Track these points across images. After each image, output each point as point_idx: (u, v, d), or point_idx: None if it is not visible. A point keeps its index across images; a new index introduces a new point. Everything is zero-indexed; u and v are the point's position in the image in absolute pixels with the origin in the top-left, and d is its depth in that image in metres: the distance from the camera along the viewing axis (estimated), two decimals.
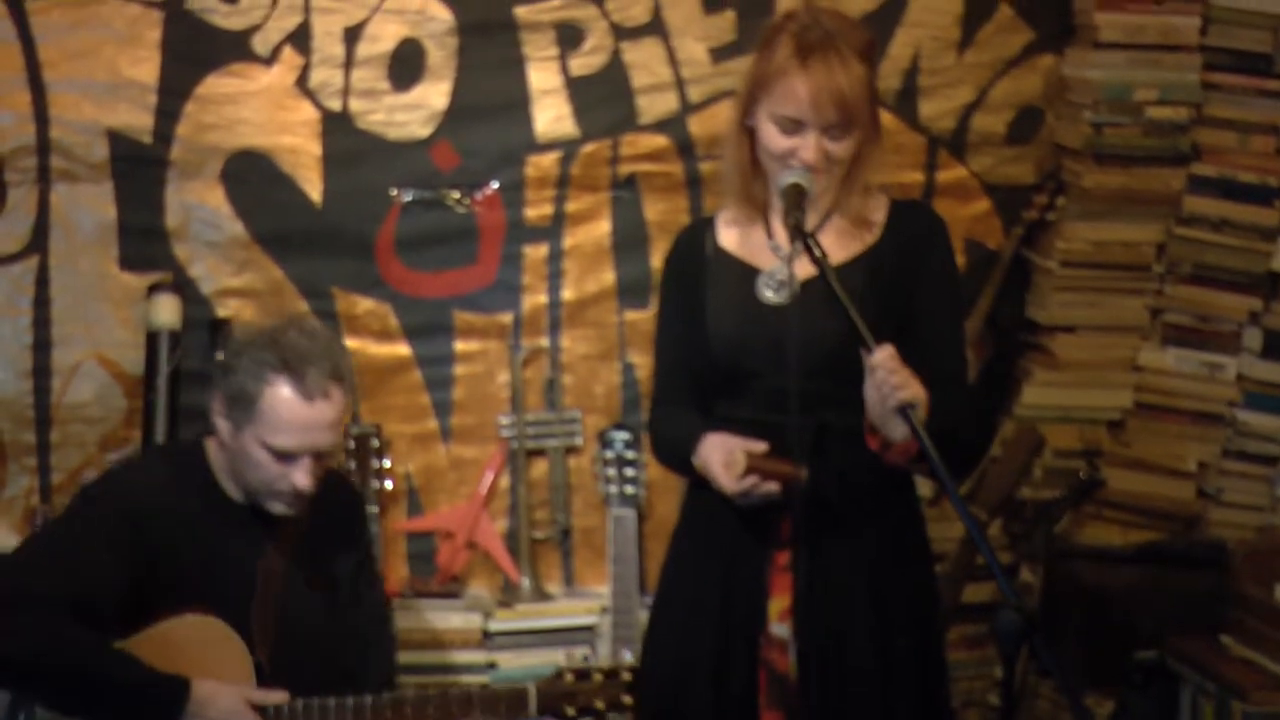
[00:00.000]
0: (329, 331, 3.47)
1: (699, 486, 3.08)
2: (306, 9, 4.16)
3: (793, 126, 2.93)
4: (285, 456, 3.13)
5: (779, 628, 2.98)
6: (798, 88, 2.90)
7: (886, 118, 4.24)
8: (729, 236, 3.10)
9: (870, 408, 2.80)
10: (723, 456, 2.94)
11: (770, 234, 3.03)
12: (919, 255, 3.03)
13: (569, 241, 4.32)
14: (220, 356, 3.25)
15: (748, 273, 3.04)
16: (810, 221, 2.92)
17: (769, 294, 2.99)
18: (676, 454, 3.11)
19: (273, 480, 3.14)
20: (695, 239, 3.14)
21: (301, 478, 3.13)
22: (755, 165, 3.02)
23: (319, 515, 3.27)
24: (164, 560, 3.12)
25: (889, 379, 2.73)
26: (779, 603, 2.99)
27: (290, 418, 3.11)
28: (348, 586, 3.34)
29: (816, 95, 2.89)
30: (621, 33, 4.25)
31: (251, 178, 4.20)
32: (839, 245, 2.99)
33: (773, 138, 2.96)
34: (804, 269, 2.86)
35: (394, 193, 4.24)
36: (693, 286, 3.10)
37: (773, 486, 2.90)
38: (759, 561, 3.01)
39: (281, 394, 3.11)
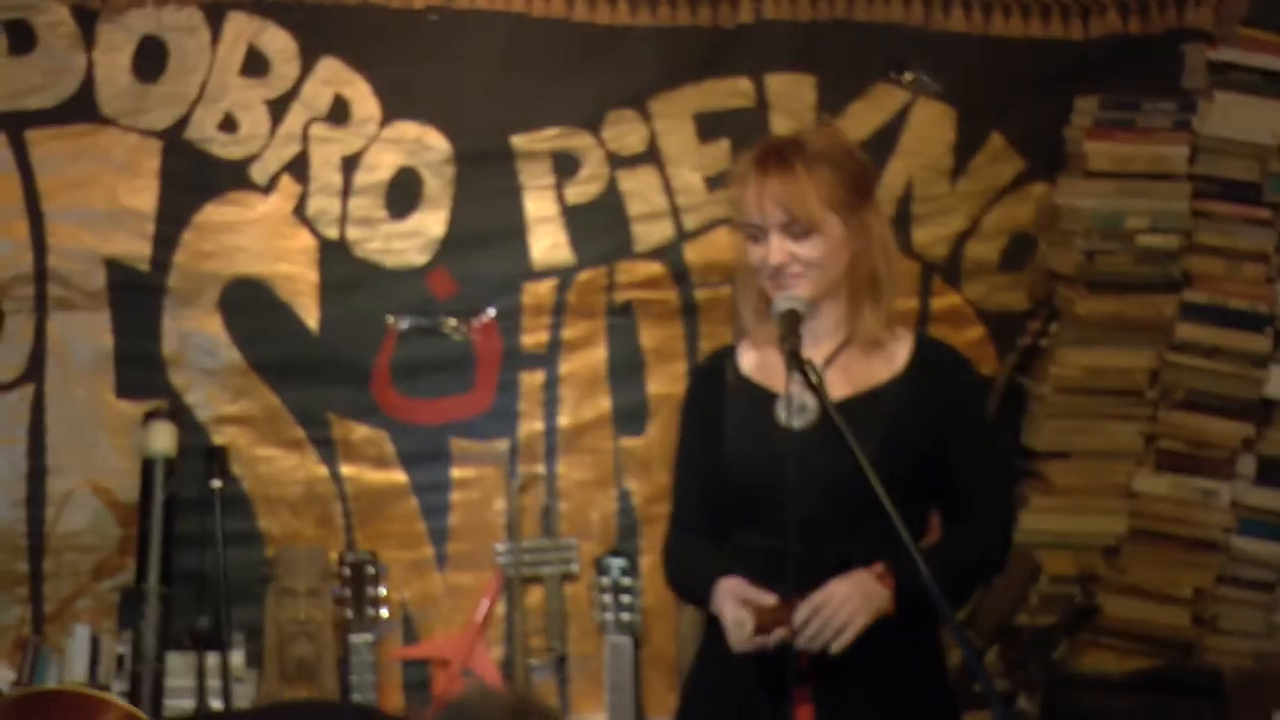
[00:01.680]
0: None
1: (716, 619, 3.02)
2: (305, 138, 4.20)
3: (757, 233, 2.94)
4: None
5: None
6: (749, 193, 2.94)
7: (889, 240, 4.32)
8: (749, 361, 3.07)
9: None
10: (732, 613, 2.89)
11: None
12: (946, 393, 2.99)
13: (565, 368, 4.33)
14: None
15: (767, 397, 3.00)
16: (822, 348, 2.92)
17: (787, 419, 2.95)
18: (690, 589, 3.10)
19: None
20: (717, 366, 3.12)
21: None
22: (763, 292, 3.01)
23: None
24: None
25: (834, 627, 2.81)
26: None
27: None
28: None
29: (761, 196, 2.91)
30: (617, 161, 4.29)
31: (249, 305, 4.22)
32: (860, 372, 2.98)
33: (746, 251, 2.98)
34: (830, 393, 2.84)
35: (391, 320, 4.26)
36: (713, 413, 3.07)
37: (783, 633, 2.86)
38: (777, 699, 2.94)
39: None
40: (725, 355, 3.12)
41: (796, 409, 2.90)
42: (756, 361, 3.04)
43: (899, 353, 3.00)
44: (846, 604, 2.81)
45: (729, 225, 3.10)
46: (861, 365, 2.98)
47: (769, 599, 2.86)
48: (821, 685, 2.88)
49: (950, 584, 2.68)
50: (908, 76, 4.35)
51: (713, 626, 3.03)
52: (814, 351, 2.88)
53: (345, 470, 4.28)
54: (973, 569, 3.04)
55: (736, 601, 2.89)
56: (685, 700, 3.20)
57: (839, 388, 2.88)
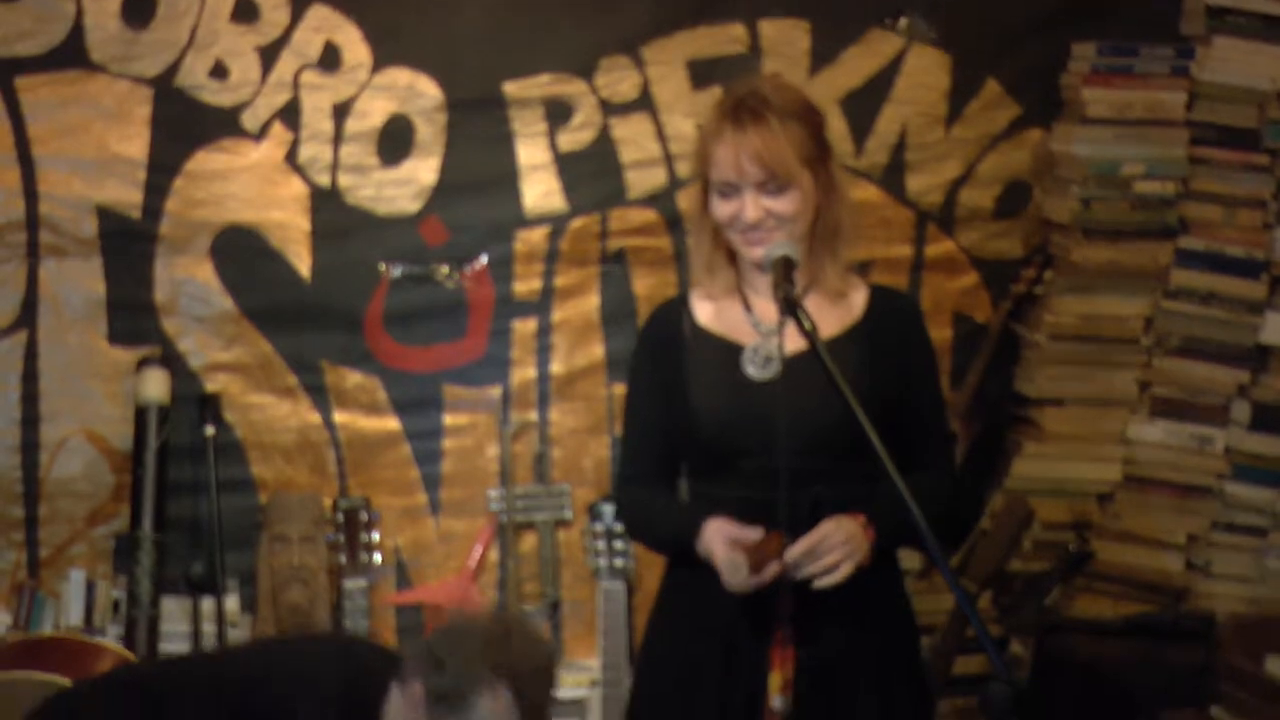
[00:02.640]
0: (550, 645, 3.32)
1: (685, 564, 3.05)
2: (296, 85, 4.20)
3: (729, 189, 2.95)
4: None
5: (779, 700, 2.96)
6: (724, 150, 2.95)
7: (873, 192, 4.33)
8: (705, 313, 3.08)
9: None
10: (726, 554, 2.91)
11: (749, 309, 3.03)
12: (902, 342, 3.05)
13: (558, 315, 4.35)
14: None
15: (731, 349, 3.03)
16: None
17: (754, 371, 2.99)
18: (661, 535, 3.13)
19: None
20: (671, 316, 3.13)
21: None
22: (720, 244, 3.04)
23: None
24: None
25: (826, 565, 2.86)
26: (779, 676, 2.97)
27: None
28: None
29: (738, 154, 2.92)
30: (610, 109, 4.30)
31: (240, 253, 4.23)
32: (823, 320, 2.96)
33: (716, 206, 2.98)
34: (790, 344, 2.86)
35: (383, 267, 4.27)
36: (671, 365, 3.08)
37: (775, 568, 2.89)
38: (760, 636, 2.99)
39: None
40: (676, 305, 3.13)
41: (763, 360, 2.94)
42: (712, 313, 3.06)
43: (856, 301, 3.04)
44: (843, 546, 2.86)
45: (691, 179, 3.10)
46: (828, 312, 3.00)
47: (753, 534, 2.89)
48: (804, 626, 2.92)
49: (935, 529, 2.70)
50: (902, 23, 4.34)
51: (678, 571, 3.10)
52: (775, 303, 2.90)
53: (338, 417, 4.30)
54: (952, 516, 3.13)
55: (728, 543, 2.91)
56: (651, 645, 3.18)
57: (800, 338, 2.87)
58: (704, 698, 3.05)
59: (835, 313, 3.02)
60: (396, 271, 4.27)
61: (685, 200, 4.27)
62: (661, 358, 3.08)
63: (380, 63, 4.21)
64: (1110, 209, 4.29)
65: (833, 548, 2.87)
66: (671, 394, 3.05)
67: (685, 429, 3.04)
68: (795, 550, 2.85)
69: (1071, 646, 4.27)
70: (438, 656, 2.77)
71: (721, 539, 2.93)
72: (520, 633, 2.96)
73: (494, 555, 4.36)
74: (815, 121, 3.00)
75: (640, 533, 3.25)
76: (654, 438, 3.12)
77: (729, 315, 3.04)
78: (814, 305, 2.97)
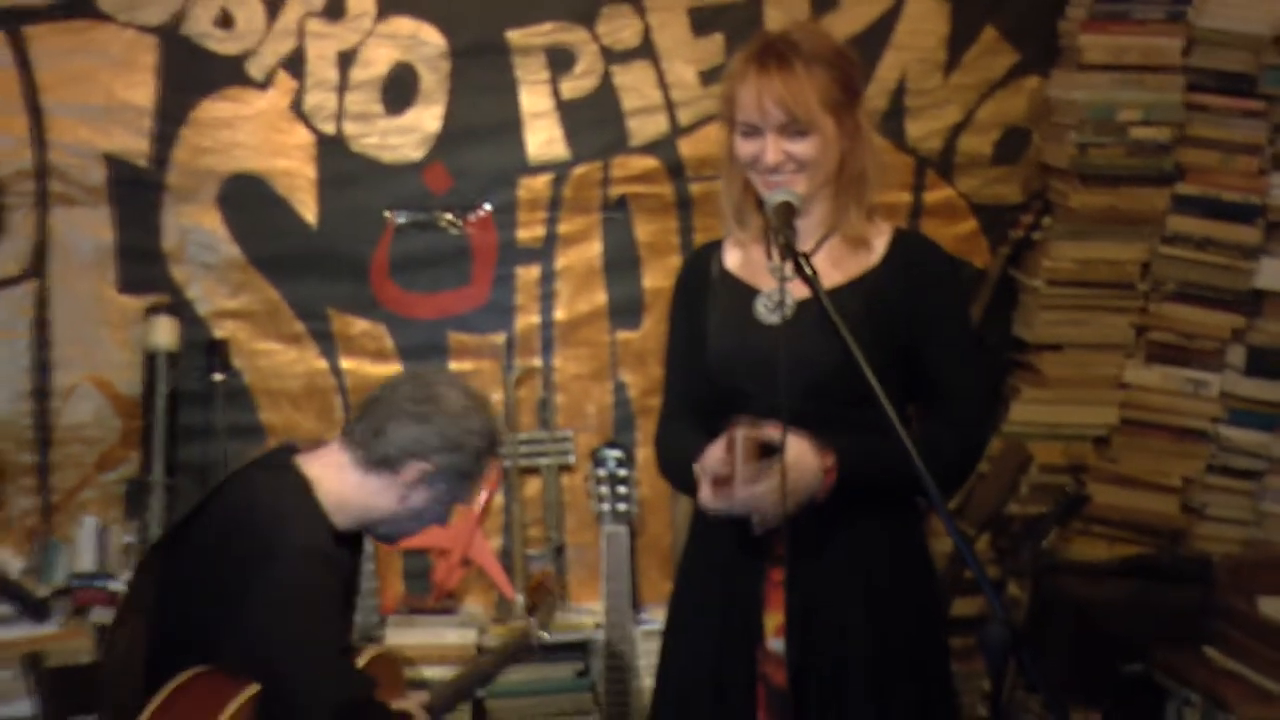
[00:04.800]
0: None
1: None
2: (300, 34, 4.21)
3: (751, 131, 2.95)
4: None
5: (775, 642, 2.98)
6: (747, 92, 2.94)
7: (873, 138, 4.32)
8: (733, 258, 3.10)
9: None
10: (703, 490, 2.93)
11: (770, 255, 2.99)
12: (916, 289, 3.01)
13: (561, 262, 4.37)
14: (434, 427, 3.15)
15: (747, 293, 3.04)
16: (807, 243, 2.93)
17: (765, 314, 3.01)
18: (679, 469, 3.11)
19: (432, 521, 3.24)
20: (703, 261, 3.15)
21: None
22: (749, 191, 3.03)
23: None
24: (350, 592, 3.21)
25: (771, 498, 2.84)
26: (774, 618, 2.99)
27: (480, 486, 3.27)
28: None
29: (760, 96, 2.92)
30: (612, 56, 4.31)
31: (247, 200, 4.26)
32: (836, 267, 2.98)
33: (738, 146, 2.99)
34: (802, 290, 2.86)
35: (388, 215, 4.29)
36: (698, 306, 3.12)
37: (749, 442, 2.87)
38: (755, 578, 3.01)
39: (484, 474, 3.23)
40: (711, 250, 3.15)
41: (775, 304, 2.94)
42: (740, 259, 3.07)
43: (878, 245, 3.02)
44: (767, 498, 2.85)
45: (718, 120, 3.10)
46: (844, 257, 3.00)
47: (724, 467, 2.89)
48: (795, 556, 2.91)
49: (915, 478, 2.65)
50: None
51: (698, 515, 3.08)
52: (800, 245, 2.87)
53: (345, 363, 4.33)
54: (951, 466, 3.02)
55: (708, 479, 2.91)
56: (675, 588, 3.23)
57: (823, 280, 2.83)
58: (708, 638, 3.07)
59: (853, 259, 3.01)
60: (401, 219, 4.29)
61: (688, 147, 4.32)
62: (692, 300, 3.12)
63: (384, 11, 4.23)
64: (1107, 155, 4.31)
65: (759, 499, 2.86)
66: (697, 333, 3.08)
67: (704, 368, 3.07)
68: (739, 493, 2.86)
69: (1068, 588, 4.29)
70: (451, 441, 3.14)
71: (705, 476, 2.93)
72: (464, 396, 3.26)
73: (499, 500, 4.38)
74: (843, 68, 2.98)
75: (664, 469, 3.23)
76: (686, 377, 3.14)
77: (753, 261, 3.04)
78: (833, 251, 3.00)
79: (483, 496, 4.34)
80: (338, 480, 3.11)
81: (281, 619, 2.96)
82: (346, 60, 4.24)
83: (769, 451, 2.85)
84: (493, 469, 3.21)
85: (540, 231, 4.35)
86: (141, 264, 4.23)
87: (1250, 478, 4.43)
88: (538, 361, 4.38)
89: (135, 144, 4.18)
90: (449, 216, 4.31)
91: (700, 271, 3.13)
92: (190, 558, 3.08)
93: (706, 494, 2.92)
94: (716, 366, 3.04)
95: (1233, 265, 4.35)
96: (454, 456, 3.14)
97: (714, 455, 2.90)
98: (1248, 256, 4.35)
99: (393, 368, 4.33)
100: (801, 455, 2.87)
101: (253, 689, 2.93)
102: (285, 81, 4.23)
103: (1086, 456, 4.44)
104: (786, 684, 2.95)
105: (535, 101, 4.31)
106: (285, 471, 3.13)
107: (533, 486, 4.39)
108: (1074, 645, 4.22)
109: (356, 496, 3.12)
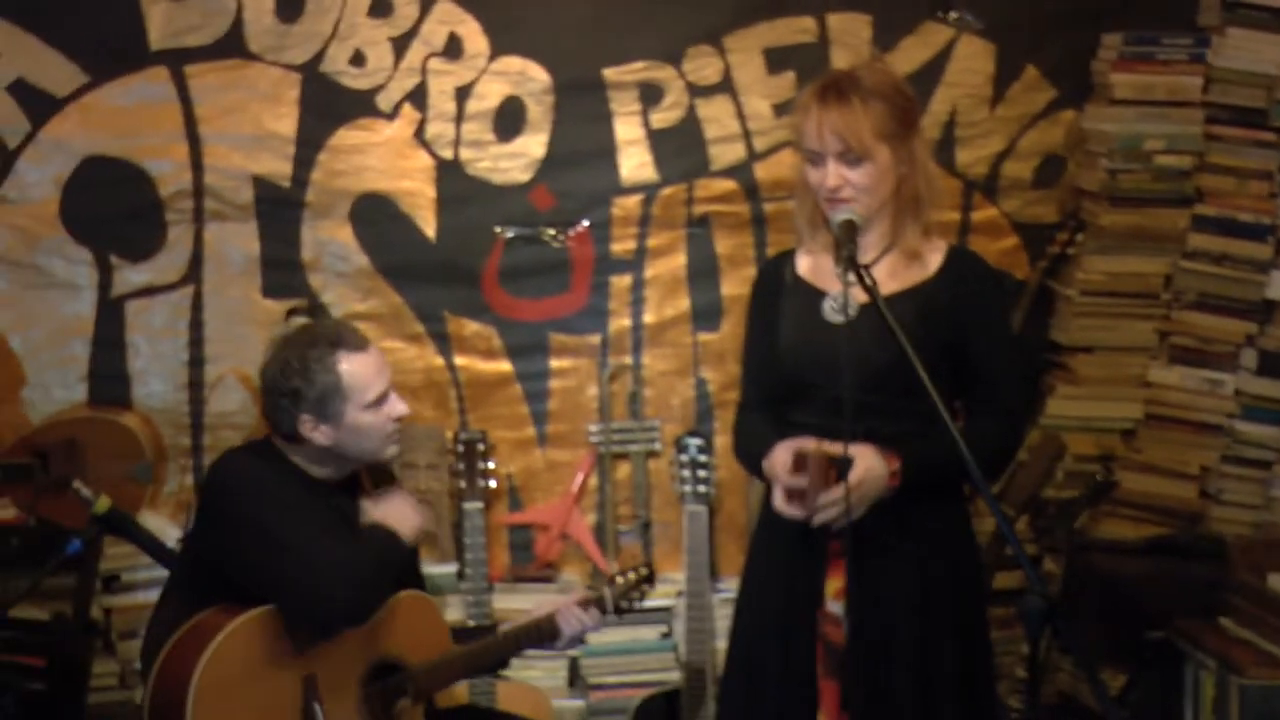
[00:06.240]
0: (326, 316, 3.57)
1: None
2: (424, 71, 4.39)
3: (815, 157, 3.04)
4: (379, 401, 3.30)
5: (834, 605, 3.08)
6: (810, 123, 3.03)
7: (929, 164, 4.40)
8: (805, 265, 3.20)
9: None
10: (785, 457, 3.02)
11: (836, 264, 3.03)
12: (965, 298, 3.10)
13: (649, 272, 4.53)
14: (279, 390, 3.28)
15: (816, 296, 3.14)
16: (868, 255, 3.05)
17: (831, 315, 3.10)
18: (753, 456, 3.18)
19: (382, 427, 3.31)
20: (777, 268, 3.25)
21: (399, 406, 3.33)
22: (818, 206, 3.12)
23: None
24: None
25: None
26: (834, 583, 3.09)
27: (366, 372, 3.28)
28: None
29: (820, 127, 3.01)
30: (696, 91, 4.46)
31: (375, 217, 4.42)
32: (893, 277, 3.07)
33: (807, 172, 3.08)
34: (864, 295, 2.92)
35: (498, 230, 4.46)
36: (772, 308, 3.21)
37: (800, 482, 2.99)
38: (818, 549, 3.09)
39: (350, 364, 3.26)
40: (785, 258, 3.27)
41: (840, 307, 3.02)
42: (810, 266, 3.21)
43: (933, 259, 3.15)
44: (836, 505, 2.99)
45: (792, 147, 3.30)
46: (901, 269, 3.13)
47: (810, 445, 3.03)
48: (856, 545, 3.02)
49: (964, 468, 2.76)
50: (952, 15, 4.47)
51: (768, 494, 3.19)
52: (861, 258, 2.99)
53: (459, 360, 4.49)
54: (994, 454, 3.12)
55: (780, 488, 3.06)
56: (747, 558, 3.40)
57: (881, 288, 2.96)
58: (775, 601, 3.19)
59: (909, 271, 3.11)
60: (510, 233, 4.45)
61: (763, 171, 4.43)
62: (767, 301, 3.24)
63: (497, 51, 4.39)
64: (1135, 179, 4.39)
65: (828, 506, 2.98)
66: (771, 332, 3.20)
67: (778, 364, 3.18)
68: (824, 498, 2.98)
69: (1098, 564, 4.40)
70: (293, 389, 3.25)
71: (785, 450, 3.04)
72: (304, 324, 3.41)
73: (593, 482, 4.55)
74: (899, 102, 3.07)
75: (739, 455, 3.30)
76: (761, 371, 3.25)
77: (822, 268, 3.16)
78: (890, 263, 3.11)
79: (579, 478, 4.48)
80: (300, 454, 3.33)
81: (256, 534, 3.18)
82: (463, 94, 4.39)
83: (836, 464, 2.95)
84: (351, 351, 3.26)
85: (632, 245, 4.50)
86: (283, 272, 4.40)
87: (1261, 467, 4.53)
88: (628, 359, 4.52)
89: (279, 167, 4.36)
90: (551, 232, 4.47)
91: (775, 277, 3.25)
92: (194, 527, 3.38)
93: (780, 502, 3.03)
94: (787, 360, 3.16)
95: (1246, 278, 4.44)
96: (307, 393, 3.23)
97: (784, 465, 3.00)
98: (1260, 270, 4.44)
99: (501, 364, 4.49)
100: (871, 467, 2.98)
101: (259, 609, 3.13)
102: (410, 113, 4.39)
103: (1115, 447, 4.53)
104: (844, 642, 3.05)
105: (628, 131, 4.45)
106: (260, 443, 3.37)
107: (623, 470, 4.53)
108: (1103, 615, 4.33)
109: (314, 456, 3.31)
